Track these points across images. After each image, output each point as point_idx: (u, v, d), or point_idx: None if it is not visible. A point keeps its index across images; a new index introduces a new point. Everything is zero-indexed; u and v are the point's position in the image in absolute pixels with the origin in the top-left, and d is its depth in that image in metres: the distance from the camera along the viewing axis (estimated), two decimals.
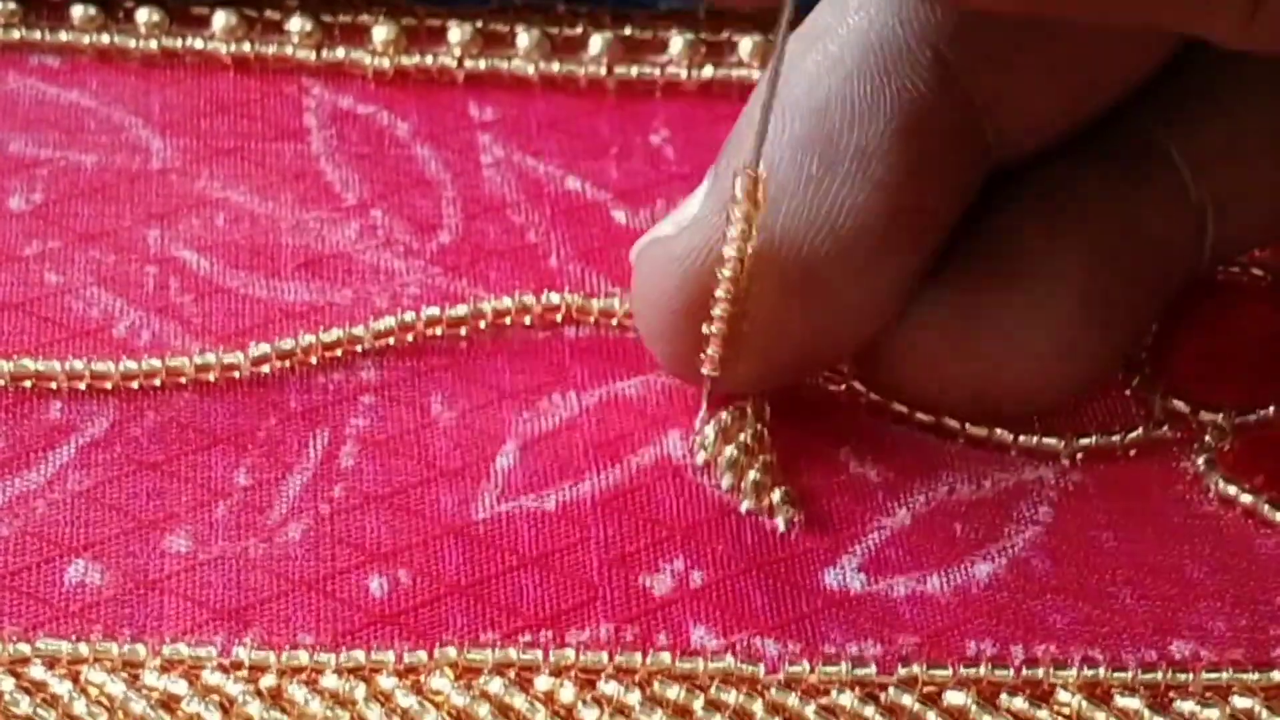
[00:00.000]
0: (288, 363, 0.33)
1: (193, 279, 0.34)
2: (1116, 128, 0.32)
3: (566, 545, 0.31)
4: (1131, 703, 0.29)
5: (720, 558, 0.31)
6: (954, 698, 0.29)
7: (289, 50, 0.38)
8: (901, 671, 0.29)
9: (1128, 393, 0.34)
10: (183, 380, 0.32)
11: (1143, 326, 0.33)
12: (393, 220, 0.35)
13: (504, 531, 0.31)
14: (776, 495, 0.31)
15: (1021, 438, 0.33)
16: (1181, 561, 0.32)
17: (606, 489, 0.31)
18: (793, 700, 0.29)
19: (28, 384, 0.32)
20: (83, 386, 0.32)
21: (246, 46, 0.38)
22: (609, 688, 0.29)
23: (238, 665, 0.29)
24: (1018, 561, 0.31)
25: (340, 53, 0.38)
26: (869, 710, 0.29)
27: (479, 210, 0.36)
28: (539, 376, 0.33)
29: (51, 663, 0.28)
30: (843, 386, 0.33)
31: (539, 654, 0.29)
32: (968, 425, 0.33)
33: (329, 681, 0.29)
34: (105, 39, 0.38)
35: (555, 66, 0.39)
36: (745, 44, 0.39)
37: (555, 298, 0.34)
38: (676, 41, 0.39)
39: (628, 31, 0.39)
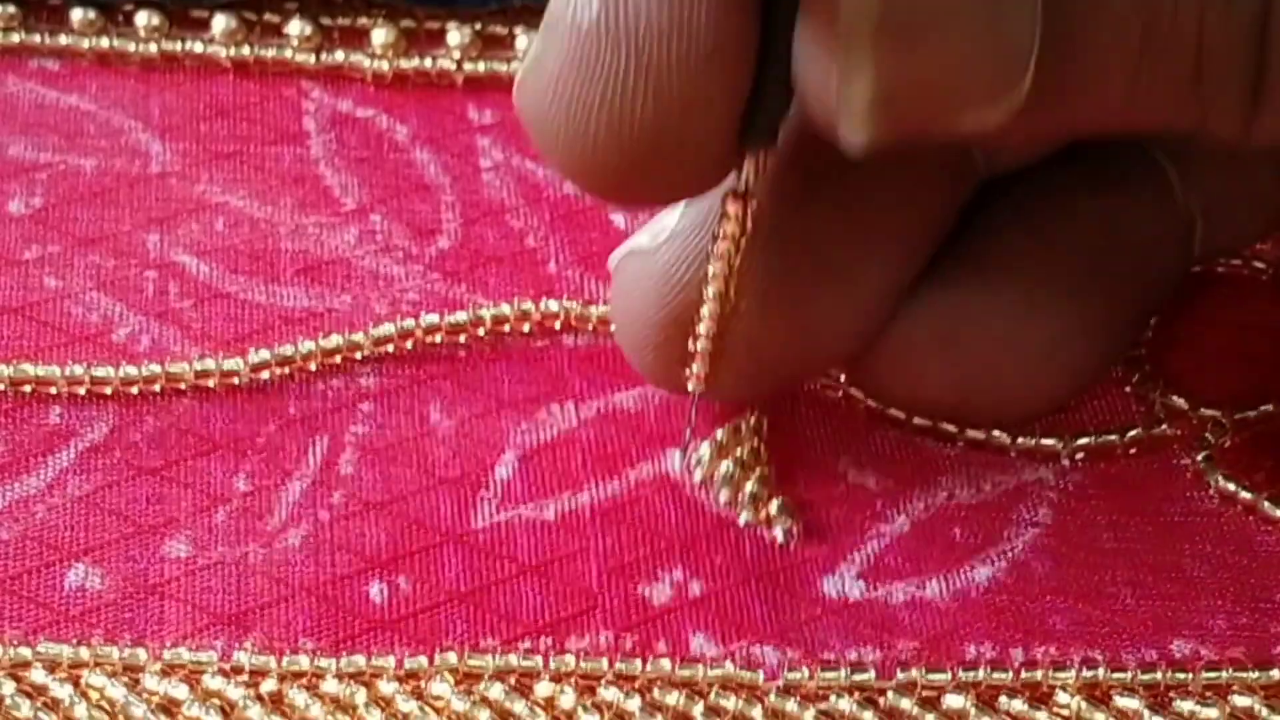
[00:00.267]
0: (287, 369, 0.33)
1: (192, 284, 0.34)
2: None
3: (565, 554, 0.31)
4: (1131, 703, 0.30)
5: (719, 568, 0.31)
6: (953, 701, 0.29)
7: (288, 54, 0.38)
8: (900, 676, 0.29)
9: (1127, 390, 0.34)
10: (182, 386, 0.32)
11: (1132, 331, 0.33)
12: (392, 225, 0.35)
13: (503, 540, 0.31)
14: (774, 507, 0.31)
15: (1020, 439, 0.33)
16: (1182, 559, 0.32)
17: (605, 500, 0.31)
18: (792, 706, 0.29)
19: (27, 389, 0.32)
20: (82, 392, 0.32)
21: (246, 50, 0.38)
22: (609, 694, 0.29)
23: (238, 670, 0.29)
24: (1017, 564, 0.31)
25: (339, 56, 0.38)
26: (868, 715, 0.29)
27: (478, 215, 0.36)
28: (538, 386, 0.33)
29: (52, 667, 0.29)
30: (840, 394, 0.33)
31: (539, 660, 0.29)
32: (966, 429, 0.33)
33: (329, 686, 0.29)
34: (105, 42, 0.38)
35: None
36: None
37: (554, 305, 0.34)
38: None
39: None
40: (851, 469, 0.32)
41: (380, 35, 0.38)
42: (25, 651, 0.29)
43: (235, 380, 0.32)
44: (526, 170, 0.37)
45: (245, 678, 0.29)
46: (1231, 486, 0.32)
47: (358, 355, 0.33)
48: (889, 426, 0.33)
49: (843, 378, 0.33)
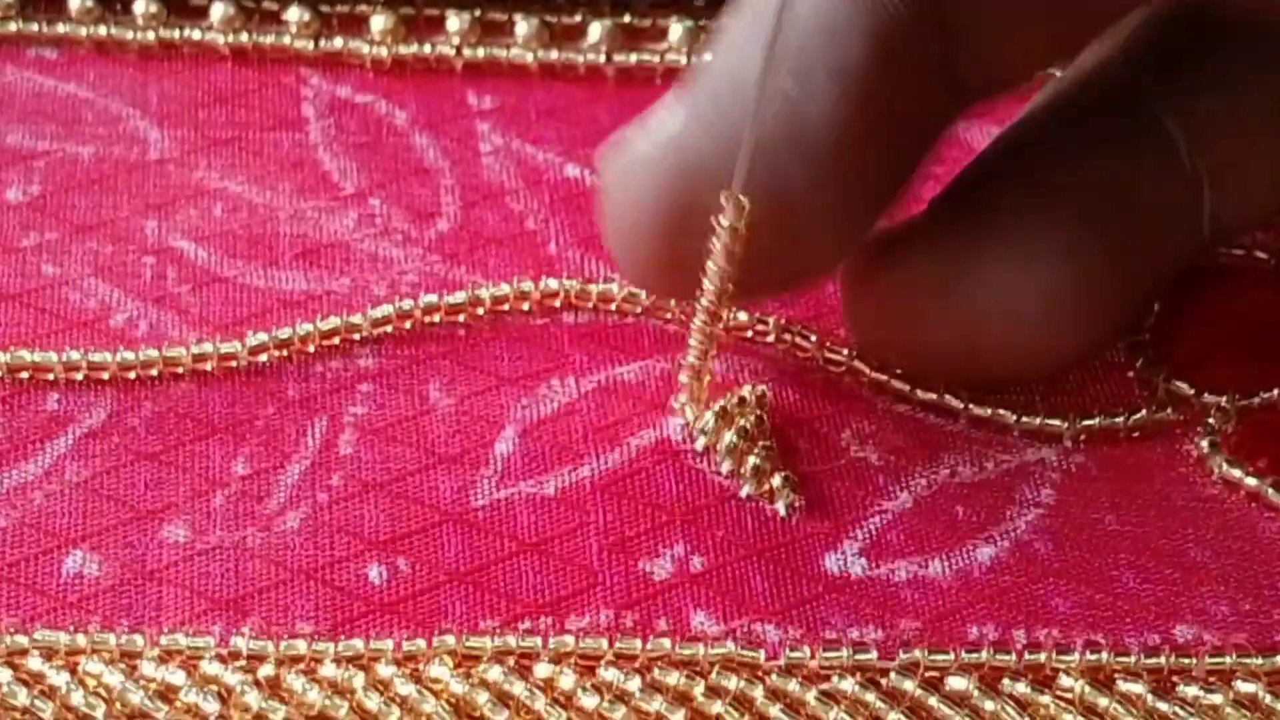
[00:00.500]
0: (285, 352, 0.33)
1: (190, 269, 0.34)
2: (1112, 93, 0.32)
3: (566, 531, 0.31)
4: (1134, 687, 0.29)
5: (720, 543, 0.31)
6: (956, 683, 0.29)
7: (287, 40, 0.38)
8: (903, 656, 0.29)
9: (1131, 374, 0.34)
10: (180, 370, 0.32)
11: (1137, 299, 0.33)
12: (391, 209, 0.35)
13: (503, 517, 0.31)
14: (777, 480, 0.31)
15: (1024, 418, 0.33)
16: (1185, 545, 0.31)
17: (605, 474, 0.31)
18: (793, 686, 0.29)
19: (25, 375, 0.32)
20: (80, 377, 0.32)
21: (244, 37, 0.38)
22: (609, 674, 0.29)
23: (236, 655, 0.29)
24: (1020, 544, 0.31)
25: (338, 42, 0.38)
26: (870, 696, 0.29)
27: (478, 198, 0.36)
28: (538, 362, 0.33)
29: (49, 654, 0.28)
30: (844, 368, 0.33)
31: (538, 641, 0.29)
32: (970, 405, 0.33)
33: (328, 670, 0.29)
34: (103, 30, 0.38)
35: (554, 54, 0.39)
36: None
37: (554, 284, 0.34)
38: (676, 29, 0.39)
39: (627, 19, 0.39)
40: (854, 443, 0.32)
41: (379, 22, 0.38)
42: (22, 639, 0.28)
43: (233, 363, 0.32)
44: (526, 154, 0.37)
45: (243, 663, 0.28)
46: (1235, 472, 0.32)
47: (356, 337, 0.33)
48: (892, 400, 0.33)
49: (846, 351, 0.33)
